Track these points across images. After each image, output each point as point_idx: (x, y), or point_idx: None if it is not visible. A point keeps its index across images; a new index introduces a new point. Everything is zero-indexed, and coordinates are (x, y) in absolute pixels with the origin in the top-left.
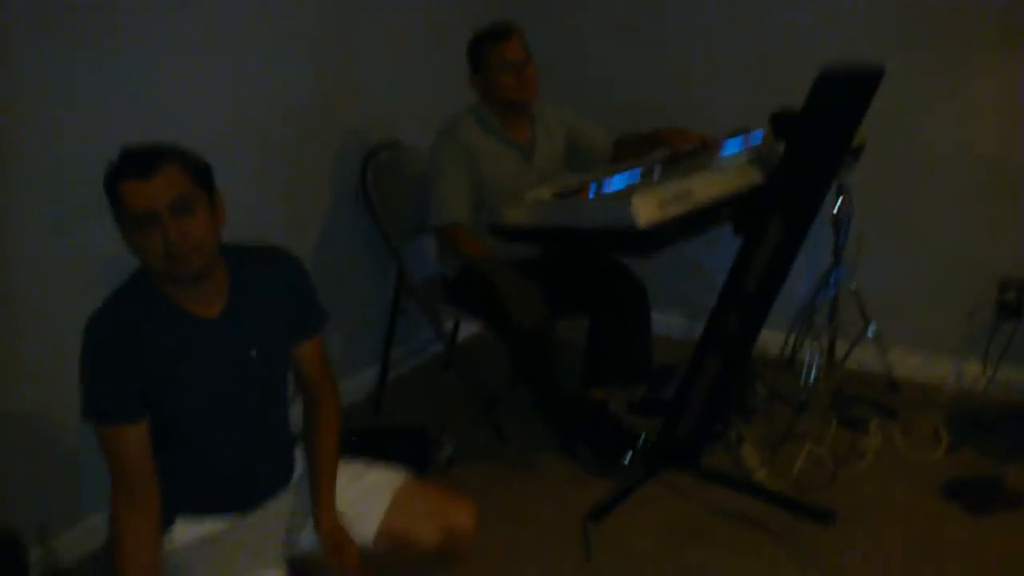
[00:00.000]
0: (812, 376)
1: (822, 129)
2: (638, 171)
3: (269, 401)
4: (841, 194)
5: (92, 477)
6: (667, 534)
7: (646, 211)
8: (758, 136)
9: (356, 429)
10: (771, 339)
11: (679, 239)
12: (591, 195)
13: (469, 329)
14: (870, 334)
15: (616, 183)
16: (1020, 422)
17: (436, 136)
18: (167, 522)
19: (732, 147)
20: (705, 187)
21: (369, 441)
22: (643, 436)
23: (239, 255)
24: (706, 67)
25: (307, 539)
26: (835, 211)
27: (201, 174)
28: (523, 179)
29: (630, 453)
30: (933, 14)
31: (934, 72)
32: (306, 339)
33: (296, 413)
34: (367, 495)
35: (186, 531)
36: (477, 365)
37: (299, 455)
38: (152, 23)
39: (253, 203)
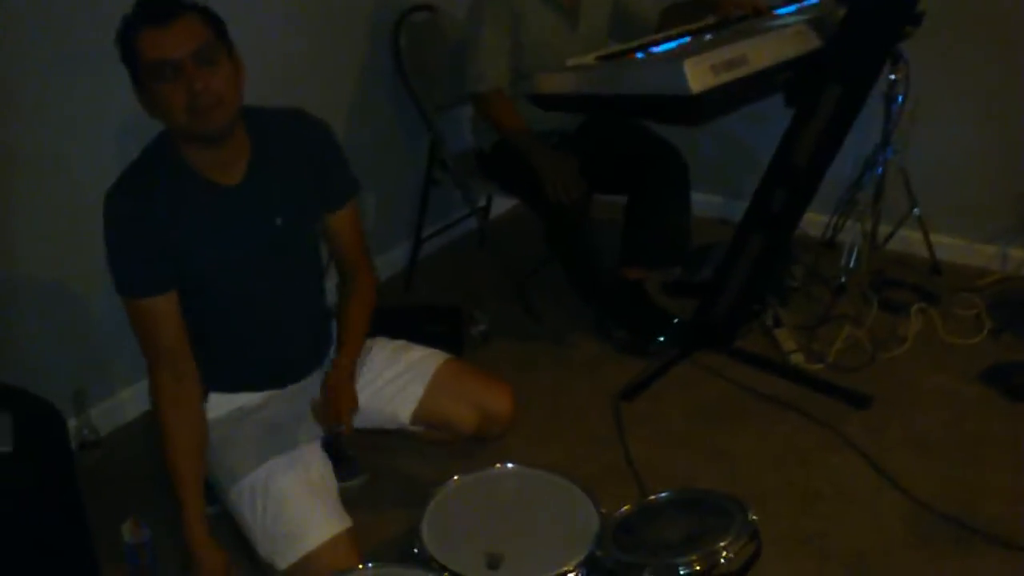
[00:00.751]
0: (853, 258)
1: None
2: (688, 37)
3: (299, 273)
4: (896, 64)
5: (125, 349)
6: (699, 415)
7: (699, 76)
8: (812, 3)
9: (390, 307)
10: (811, 220)
11: (733, 108)
12: (639, 56)
13: (503, 205)
14: (915, 215)
15: (665, 47)
16: None
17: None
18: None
19: (786, 12)
20: (760, 52)
21: (403, 318)
22: (678, 319)
23: (261, 118)
24: None
25: None
26: (889, 82)
27: (220, 27)
28: (567, 47)
29: (664, 335)
30: None
31: None
32: (336, 208)
33: (332, 288)
34: (406, 374)
35: (220, 406)
36: (510, 242)
37: (335, 330)
38: None
39: (279, 67)
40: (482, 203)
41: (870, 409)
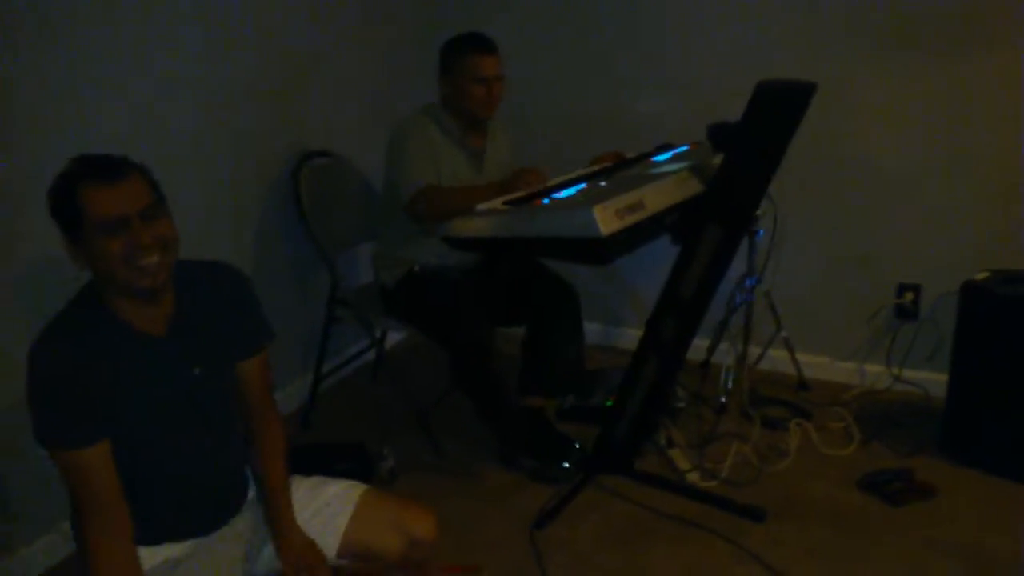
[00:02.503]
0: (729, 378)
1: (758, 140)
2: (583, 184)
3: (217, 420)
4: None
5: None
6: (611, 538)
7: (607, 220)
8: (683, 150)
9: (294, 446)
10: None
11: (633, 248)
12: (546, 202)
13: (395, 337)
14: (782, 336)
15: (567, 192)
16: (922, 418)
17: (396, 130)
18: None
19: (662, 159)
20: (654, 197)
21: (310, 456)
22: (579, 445)
23: (183, 269)
24: (638, 82)
25: (268, 558)
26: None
27: (158, 187)
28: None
29: (568, 460)
30: (848, 31)
31: (836, 83)
32: (250, 356)
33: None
34: (327, 509)
35: (146, 559)
36: (407, 373)
37: (251, 474)
38: (84, 24)
39: (183, 209)
40: (376, 336)
41: (766, 522)
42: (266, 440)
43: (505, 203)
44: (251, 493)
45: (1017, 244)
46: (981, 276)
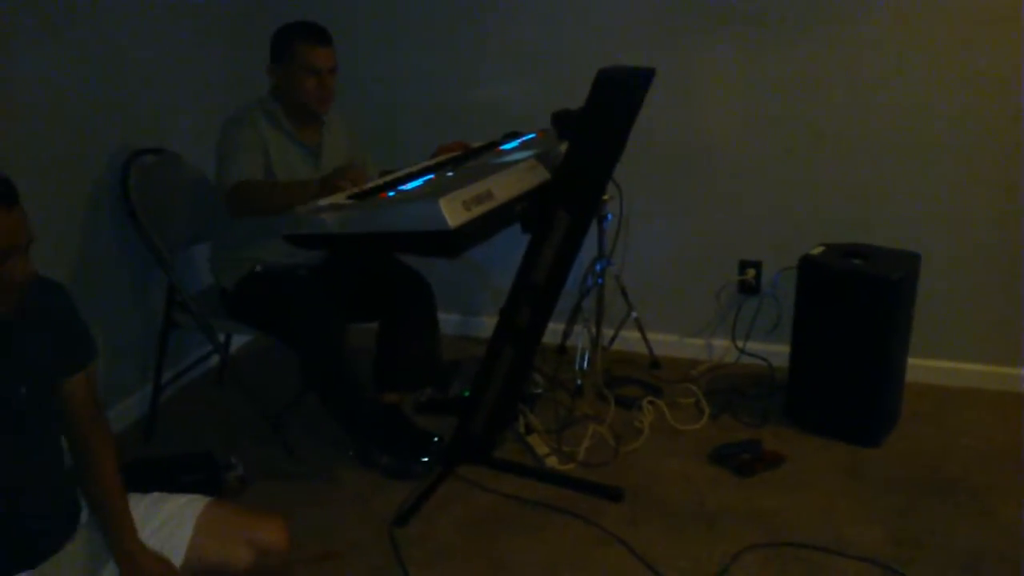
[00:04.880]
0: (585, 361)
1: (601, 126)
2: (430, 175)
3: (44, 442)
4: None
5: None
6: (473, 529)
7: (454, 212)
8: (530, 137)
9: (135, 461)
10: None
11: (483, 238)
12: (391, 195)
13: (243, 339)
14: (633, 317)
15: (413, 184)
16: (768, 389)
17: (224, 124)
18: None
19: (511, 147)
20: (502, 186)
21: (152, 470)
22: (438, 437)
23: None
24: (483, 70)
25: None
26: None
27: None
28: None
29: (427, 454)
30: (690, 13)
31: (678, 66)
32: (74, 373)
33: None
34: (167, 526)
35: None
36: (256, 377)
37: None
38: None
39: None
40: (220, 340)
41: (624, 501)
42: (97, 459)
43: (349, 197)
44: (84, 516)
45: (851, 219)
46: (817, 251)
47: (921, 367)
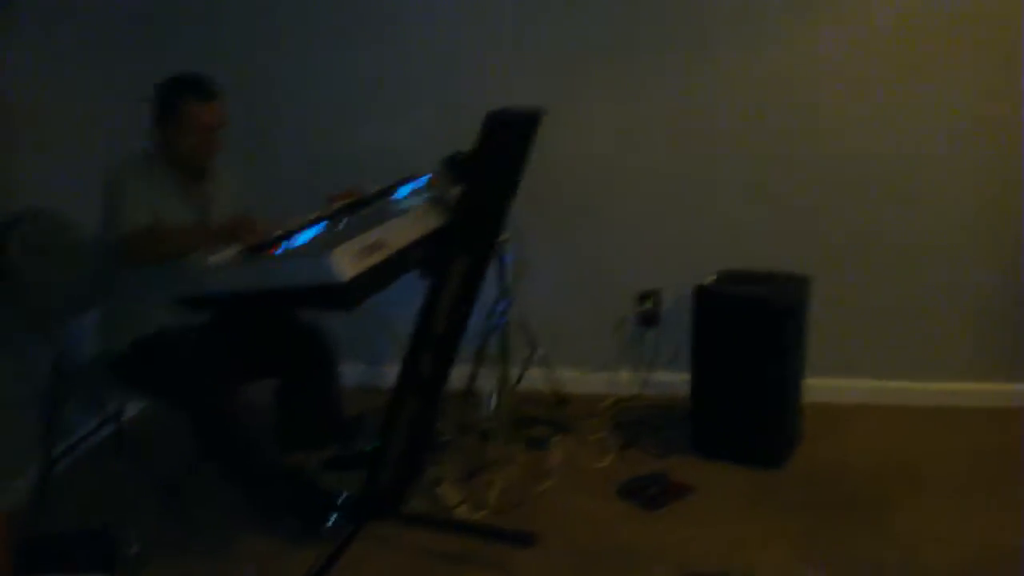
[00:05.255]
0: (492, 404)
1: (493, 169)
2: (321, 224)
3: None
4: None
5: None
6: None
7: (347, 264)
8: (422, 182)
9: (27, 540)
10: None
11: (379, 289)
12: (281, 251)
13: (139, 406)
14: (538, 356)
15: (303, 237)
16: (673, 419)
17: (110, 176)
18: None
19: (402, 195)
20: (396, 234)
21: (44, 550)
22: (345, 495)
23: None
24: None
25: None
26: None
27: None
28: None
29: (335, 514)
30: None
31: (568, 102)
32: None
33: None
34: None
35: None
36: (153, 444)
37: None
38: None
39: None
40: (112, 410)
41: (536, 544)
42: None
43: (239, 254)
44: None
45: (744, 246)
46: (711, 279)
47: (819, 386)
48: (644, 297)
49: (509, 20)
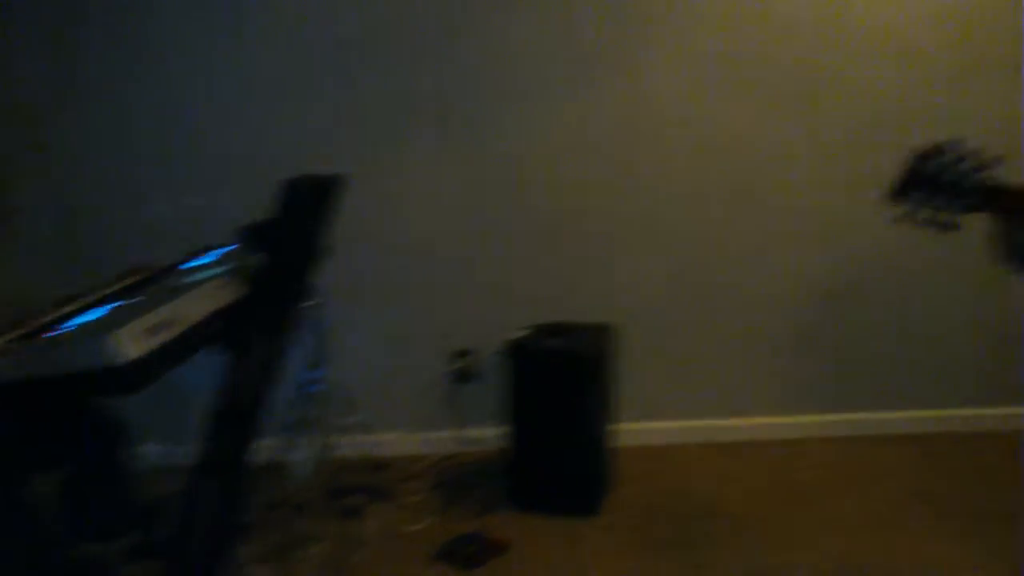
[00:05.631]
0: (307, 474)
1: (293, 236)
2: (109, 305)
3: None
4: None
5: None
6: None
7: (130, 344)
8: (219, 253)
9: None
10: (260, 445)
11: (170, 367)
12: (56, 332)
13: None
14: (355, 421)
15: (85, 318)
16: (491, 476)
17: None
18: None
19: (197, 267)
20: (188, 310)
21: None
22: None
23: None
24: (167, 183)
25: None
26: (309, 309)
27: None
28: None
29: None
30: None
31: (376, 165)
32: None
33: None
34: None
35: None
36: None
37: None
38: None
39: None
40: None
41: None
42: None
43: (9, 341)
44: None
45: (556, 297)
46: (523, 333)
47: (631, 431)
48: (459, 354)
49: (316, 86)
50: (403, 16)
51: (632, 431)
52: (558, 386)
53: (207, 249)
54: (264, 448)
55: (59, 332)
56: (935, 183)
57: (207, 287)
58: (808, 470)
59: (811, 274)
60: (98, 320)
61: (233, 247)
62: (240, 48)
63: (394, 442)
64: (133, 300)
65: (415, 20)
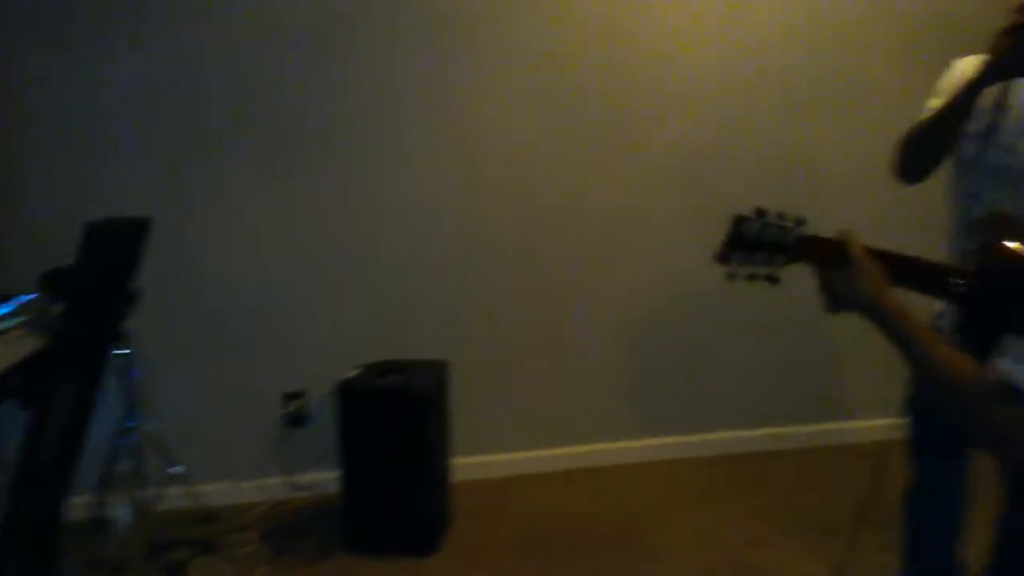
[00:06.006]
0: (126, 531)
1: (98, 281)
2: None
3: None
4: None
5: None
6: None
7: None
8: (16, 303)
9: None
10: (74, 503)
11: None
12: None
13: None
14: (178, 472)
15: None
16: (326, 521)
17: None
18: None
19: None
20: None
21: None
22: None
23: None
24: None
25: None
26: (120, 359)
27: None
28: None
29: None
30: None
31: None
32: None
33: None
34: None
35: None
36: None
37: None
38: None
39: None
40: None
41: None
42: None
43: None
44: None
45: (389, 335)
46: (353, 372)
47: (468, 465)
48: (290, 397)
49: (116, 127)
50: (218, 54)
51: (471, 465)
52: (392, 425)
53: (7, 298)
54: (79, 504)
55: None
56: (756, 243)
57: (4, 339)
58: (647, 493)
59: (642, 301)
60: None
61: (32, 296)
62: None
63: (223, 491)
64: None
65: (225, 60)
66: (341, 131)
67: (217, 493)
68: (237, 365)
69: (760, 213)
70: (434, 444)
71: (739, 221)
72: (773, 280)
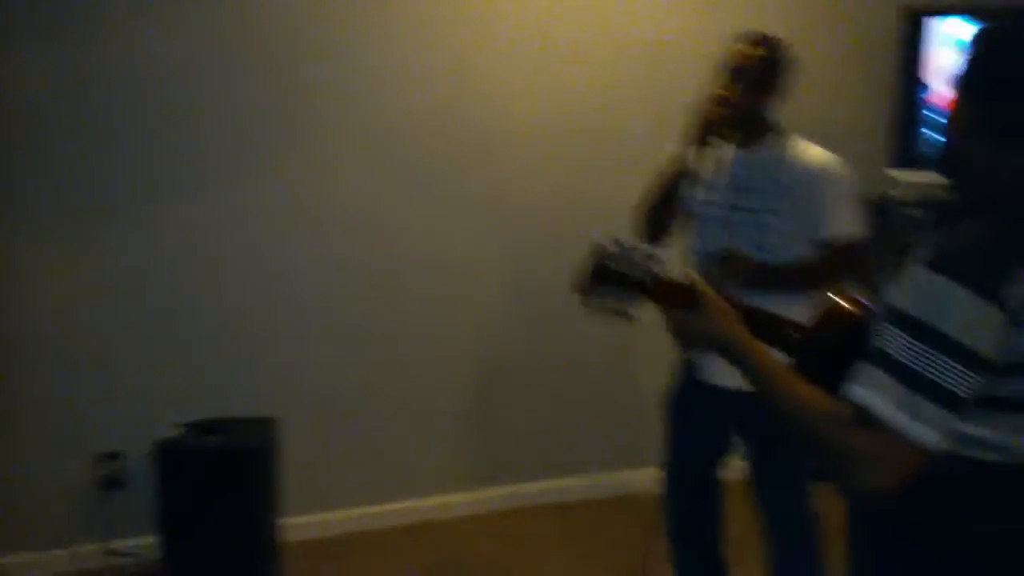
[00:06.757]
0: None
1: None
2: None
3: None
4: None
5: None
6: None
7: None
8: None
9: None
10: None
11: None
12: None
13: None
14: None
15: None
16: None
17: None
18: None
19: None
20: None
21: None
22: None
23: None
24: None
25: None
26: None
27: None
28: None
29: None
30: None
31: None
32: None
33: None
34: None
35: None
36: None
37: None
38: None
39: None
40: None
41: None
42: None
43: None
44: None
45: (212, 391)
46: (174, 432)
47: (299, 524)
48: (105, 458)
49: None
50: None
51: (303, 525)
52: (215, 487)
53: None
54: None
55: None
56: (620, 279)
57: None
58: (486, 546)
59: (467, 348)
60: None
61: None
62: None
63: (25, 564)
64: None
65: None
66: (168, 184)
67: (18, 566)
68: (45, 423)
69: (619, 245)
70: (262, 505)
71: (603, 254)
72: (629, 317)
